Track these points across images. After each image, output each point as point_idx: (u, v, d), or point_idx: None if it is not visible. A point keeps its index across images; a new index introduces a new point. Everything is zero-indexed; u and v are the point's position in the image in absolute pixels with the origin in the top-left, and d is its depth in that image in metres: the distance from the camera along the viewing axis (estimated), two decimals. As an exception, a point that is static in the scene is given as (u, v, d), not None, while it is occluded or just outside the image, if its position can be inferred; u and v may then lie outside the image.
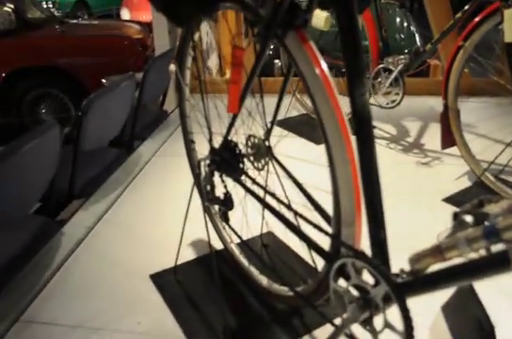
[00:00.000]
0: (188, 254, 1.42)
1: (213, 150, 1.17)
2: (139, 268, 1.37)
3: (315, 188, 1.09)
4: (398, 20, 4.16)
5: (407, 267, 0.75)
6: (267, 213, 1.05)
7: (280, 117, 2.40)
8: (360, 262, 0.77)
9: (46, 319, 1.19)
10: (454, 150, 1.82)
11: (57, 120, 1.43)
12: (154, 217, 1.66)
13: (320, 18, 2.22)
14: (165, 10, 0.92)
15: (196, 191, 1.23)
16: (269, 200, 1.05)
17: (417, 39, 3.94)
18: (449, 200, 1.69)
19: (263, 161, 1.13)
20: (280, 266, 1.34)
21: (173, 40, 2.79)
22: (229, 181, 1.15)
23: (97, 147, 1.83)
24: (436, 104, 2.47)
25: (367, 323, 0.78)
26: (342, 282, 0.85)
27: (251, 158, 1.14)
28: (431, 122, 2.45)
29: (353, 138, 0.81)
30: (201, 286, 1.29)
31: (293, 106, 2.58)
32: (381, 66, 2.20)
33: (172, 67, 1.24)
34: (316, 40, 2.51)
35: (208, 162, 1.19)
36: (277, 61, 3.52)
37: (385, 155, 2.08)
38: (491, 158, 1.74)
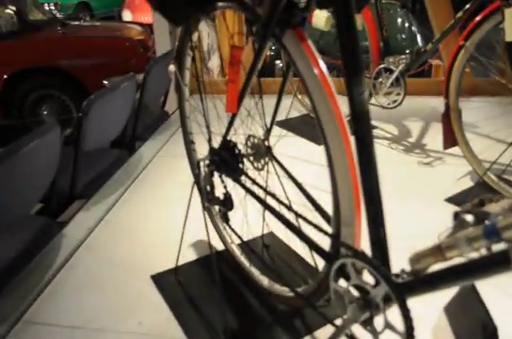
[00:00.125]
0: (189, 255, 1.42)
1: (212, 150, 1.17)
2: (140, 269, 1.37)
3: (316, 188, 1.08)
4: (399, 20, 4.15)
5: (408, 268, 0.75)
6: (268, 213, 1.04)
7: (281, 117, 2.40)
8: (360, 262, 0.77)
9: (47, 320, 1.19)
10: (456, 150, 1.81)
11: (59, 121, 1.44)
12: (155, 217, 1.66)
13: (321, 18, 2.22)
14: (161, 10, 0.92)
15: (196, 192, 1.23)
16: (269, 200, 1.04)
17: (418, 39, 3.94)
18: (451, 200, 1.68)
19: (262, 161, 1.13)
20: (281, 266, 1.33)
21: (174, 41, 2.80)
22: (229, 181, 1.15)
23: (98, 148, 1.83)
24: (438, 104, 2.46)
25: (367, 323, 0.77)
26: (342, 283, 0.84)
27: (251, 158, 1.14)
28: (433, 122, 2.45)
29: (352, 138, 0.81)
30: (202, 287, 1.28)
31: (294, 107, 2.57)
32: (382, 66, 2.19)
33: (172, 67, 1.23)
34: (317, 41, 2.52)
35: (207, 162, 1.18)
36: (278, 62, 3.52)
37: (387, 156, 2.07)
38: (493, 158, 1.74)
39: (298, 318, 1.15)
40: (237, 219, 1.27)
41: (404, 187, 1.79)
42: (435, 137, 2.17)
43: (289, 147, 2.08)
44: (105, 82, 3.40)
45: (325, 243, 0.91)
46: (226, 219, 1.22)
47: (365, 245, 0.82)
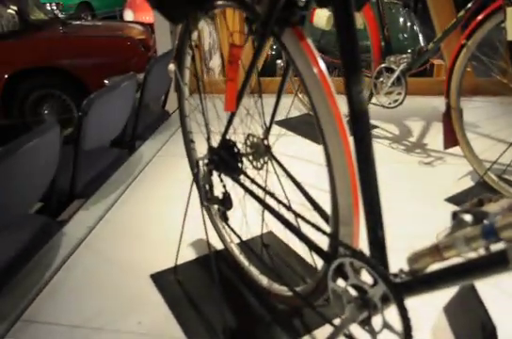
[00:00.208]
0: (189, 254, 1.41)
1: (211, 149, 1.17)
2: (140, 268, 1.36)
3: (315, 188, 1.08)
4: (401, 19, 4.14)
5: (407, 267, 0.74)
6: (267, 212, 1.04)
7: (281, 117, 2.39)
8: (358, 261, 0.76)
9: (47, 319, 1.19)
10: (456, 149, 1.81)
11: (60, 120, 1.44)
12: (155, 216, 1.66)
13: (322, 17, 2.21)
14: (160, 8, 0.92)
15: (195, 191, 1.23)
16: (268, 199, 1.04)
17: (420, 38, 3.93)
18: (451, 199, 1.68)
19: (261, 160, 1.12)
20: (281, 265, 1.33)
21: (175, 41, 2.79)
22: (228, 180, 1.14)
23: (98, 147, 1.83)
24: (439, 103, 2.45)
25: (366, 323, 0.77)
26: (340, 282, 0.84)
27: (250, 157, 1.14)
28: (434, 122, 2.44)
29: (351, 137, 0.80)
30: (202, 286, 1.28)
31: (294, 106, 2.57)
32: (383, 65, 2.19)
33: (171, 66, 1.23)
34: (318, 40, 2.51)
35: (206, 161, 1.18)
36: (279, 61, 3.52)
37: (387, 155, 2.07)
38: (494, 158, 1.73)
39: (297, 318, 1.15)
40: (236, 219, 1.26)
41: (404, 187, 1.79)
42: (436, 137, 2.17)
43: (289, 146, 2.08)
44: (106, 81, 3.40)
45: (323, 242, 0.91)
46: (225, 219, 1.22)
47: (364, 244, 0.81)
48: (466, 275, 0.64)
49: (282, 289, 1.12)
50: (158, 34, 2.89)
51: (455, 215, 0.69)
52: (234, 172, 1.11)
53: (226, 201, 1.15)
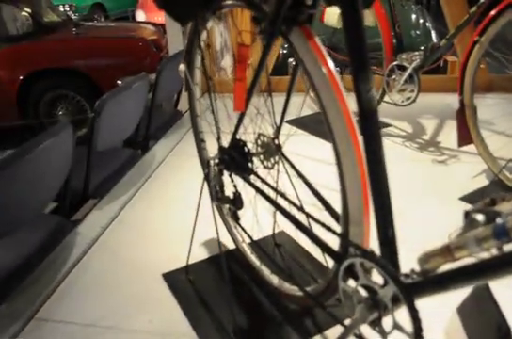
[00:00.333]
0: (200, 253, 1.42)
1: (221, 148, 1.17)
2: (152, 267, 1.37)
3: (327, 188, 1.07)
4: (414, 16, 4.10)
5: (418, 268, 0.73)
6: (278, 212, 1.04)
7: (294, 116, 2.38)
8: (368, 261, 0.76)
9: (60, 317, 1.21)
10: (471, 147, 1.78)
11: (74, 121, 1.45)
12: (168, 216, 1.66)
13: (332, 15, 2.20)
14: (167, 8, 0.92)
15: (207, 191, 1.23)
16: (278, 199, 1.04)
17: (433, 35, 3.89)
18: (466, 198, 1.65)
19: (272, 160, 1.12)
20: (292, 265, 1.33)
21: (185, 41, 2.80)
22: (239, 180, 1.14)
23: (111, 147, 1.85)
24: (452, 101, 2.41)
25: (376, 324, 0.76)
26: (351, 283, 0.84)
27: (261, 157, 1.14)
28: (447, 120, 2.41)
29: (360, 136, 0.80)
30: (213, 285, 1.29)
31: (307, 105, 2.56)
32: (395, 63, 2.17)
33: (182, 66, 1.24)
34: (329, 38, 2.50)
35: (217, 161, 1.18)
36: (291, 60, 3.50)
37: (401, 154, 2.05)
38: (509, 156, 1.71)
39: (308, 318, 1.14)
40: (248, 218, 1.26)
41: (418, 186, 1.77)
42: (449, 135, 2.14)
43: (302, 145, 2.07)
44: (119, 82, 3.43)
45: (335, 242, 0.90)
46: (236, 218, 1.22)
47: (375, 244, 0.81)
48: (478, 276, 0.63)
49: (293, 289, 1.12)
50: (170, 34, 2.91)
51: (467, 214, 0.68)
52: (245, 172, 1.11)
53: (237, 201, 1.15)
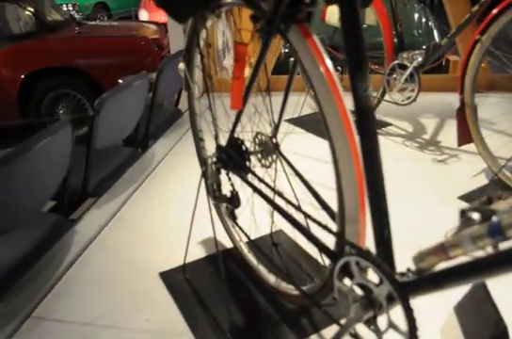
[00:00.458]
0: (198, 252, 1.42)
1: (219, 147, 1.17)
2: (149, 266, 1.37)
3: (324, 186, 1.07)
4: (416, 15, 4.09)
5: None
6: (275, 211, 1.04)
7: (294, 115, 2.37)
8: (364, 260, 0.75)
9: (57, 316, 1.21)
10: (471, 146, 1.78)
11: (74, 120, 1.45)
12: (166, 215, 1.66)
13: (334, 14, 2.19)
14: (165, 6, 0.92)
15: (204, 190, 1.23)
16: (276, 197, 1.03)
17: (435, 34, 3.87)
18: (465, 197, 1.65)
19: (270, 158, 1.12)
20: (290, 264, 1.33)
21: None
22: (236, 179, 1.14)
23: (110, 146, 1.85)
24: (453, 100, 2.40)
25: (371, 323, 0.76)
26: (346, 281, 0.83)
27: (258, 156, 1.13)
28: (448, 119, 2.40)
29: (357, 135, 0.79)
30: (210, 284, 1.28)
31: (307, 104, 2.56)
32: (396, 62, 2.16)
33: (181, 65, 1.23)
34: (331, 37, 2.49)
35: (214, 159, 1.18)
36: (292, 59, 3.50)
37: (401, 153, 2.04)
38: (509, 155, 1.69)
39: (305, 317, 1.14)
40: (245, 217, 1.26)
41: (417, 185, 1.77)
42: (449, 134, 2.13)
43: (301, 144, 2.06)
44: (120, 81, 3.43)
45: (331, 241, 0.90)
46: (233, 217, 1.22)
47: (371, 243, 0.80)
48: (473, 274, 0.63)
49: (290, 288, 1.12)
50: (171, 33, 2.91)
51: (463, 213, 0.68)
52: (242, 171, 1.10)
53: (234, 200, 1.14)
